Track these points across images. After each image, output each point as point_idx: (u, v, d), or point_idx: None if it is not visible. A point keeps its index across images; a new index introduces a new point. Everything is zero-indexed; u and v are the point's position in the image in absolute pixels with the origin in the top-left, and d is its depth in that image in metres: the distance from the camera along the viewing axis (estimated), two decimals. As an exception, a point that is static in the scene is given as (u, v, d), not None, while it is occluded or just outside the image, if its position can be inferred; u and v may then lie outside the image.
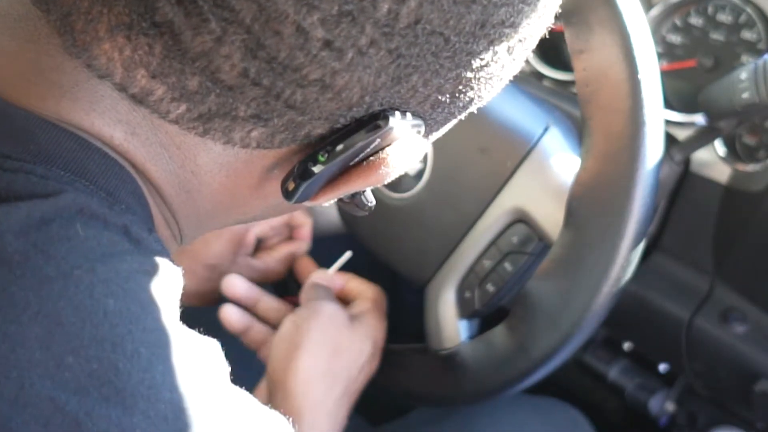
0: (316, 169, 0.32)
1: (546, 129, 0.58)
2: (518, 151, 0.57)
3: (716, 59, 0.70)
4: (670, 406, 0.83)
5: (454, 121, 0.38)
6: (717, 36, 0.70)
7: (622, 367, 0.88)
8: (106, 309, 0.27)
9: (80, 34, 0.29)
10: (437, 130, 0.37)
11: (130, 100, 0.30)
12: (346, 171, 0.34)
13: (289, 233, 0.77)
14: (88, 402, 0.25)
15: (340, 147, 0.32)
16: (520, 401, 0.77)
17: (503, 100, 0.61)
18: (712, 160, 0.68)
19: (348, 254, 0.71)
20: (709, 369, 0.73)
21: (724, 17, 0.70)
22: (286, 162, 0.34)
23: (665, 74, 0.73)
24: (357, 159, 0.33)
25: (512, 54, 0.33)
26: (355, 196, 0.37)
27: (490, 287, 0.59)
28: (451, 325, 0.60)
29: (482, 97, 0.35)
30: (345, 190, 0.34)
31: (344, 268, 0.71)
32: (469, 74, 0.32)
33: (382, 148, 0.33)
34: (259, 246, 0.76)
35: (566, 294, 0.49)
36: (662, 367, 0.84)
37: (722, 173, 0.68)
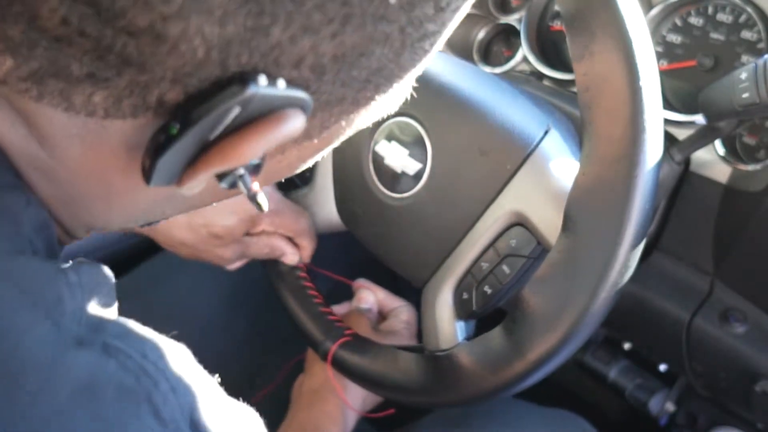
0: (169, 143, 0.27)
1: (546, 132, 0.58)
2: (518, 154, 0.57)
3: (716, 59, 0.70)
4: (670, 406, 0.83)
5: (364, 114, 0.32)
6: (717, 36, 0.70)
7: (622, 368, 0.88)
8: None
9: None
10: (332, 110, 0.31)
11: None
12: (208, 148, 0.28)
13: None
14: None
15: (192, 116, 0.27)
16: (531, 412, 0.77)
17: (504, 101, 0.61)
18: (712, 160, 0.68)
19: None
20: (709, 369, 0.73)
21: (724, 17, 0.70)
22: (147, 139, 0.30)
23: (665, 74, 0.73)
24: (218, 133, 0.28)
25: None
26: (236, 185, 0.31)
27: (488, 289, 0.58)
28: (448, 326, 0.60)
29: (382, 69, 0.29)
30: (206, 170, 0.29)
31: (346, 269, 0.72)
32: (349, 30, 0.26)
33: (250, 122, 0.28)
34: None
35: (563, 297, 0.49)
36: (662, 367, 0.85)
37: (722, 173, 0.68)
